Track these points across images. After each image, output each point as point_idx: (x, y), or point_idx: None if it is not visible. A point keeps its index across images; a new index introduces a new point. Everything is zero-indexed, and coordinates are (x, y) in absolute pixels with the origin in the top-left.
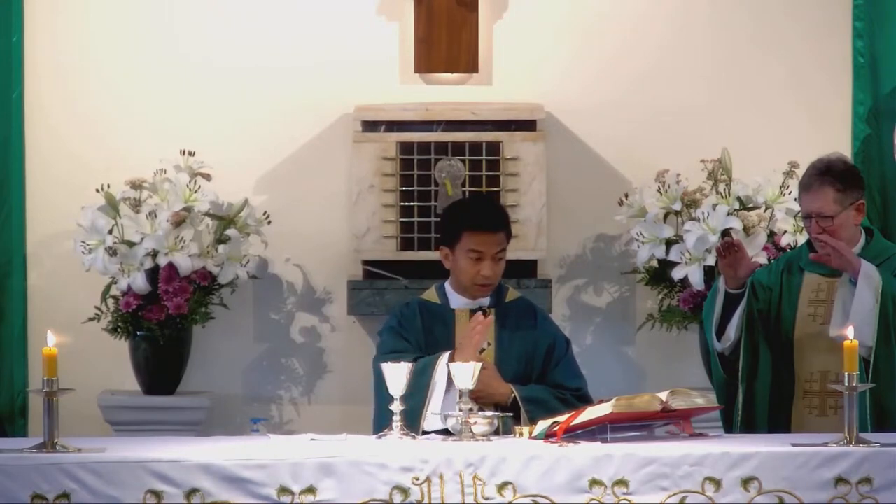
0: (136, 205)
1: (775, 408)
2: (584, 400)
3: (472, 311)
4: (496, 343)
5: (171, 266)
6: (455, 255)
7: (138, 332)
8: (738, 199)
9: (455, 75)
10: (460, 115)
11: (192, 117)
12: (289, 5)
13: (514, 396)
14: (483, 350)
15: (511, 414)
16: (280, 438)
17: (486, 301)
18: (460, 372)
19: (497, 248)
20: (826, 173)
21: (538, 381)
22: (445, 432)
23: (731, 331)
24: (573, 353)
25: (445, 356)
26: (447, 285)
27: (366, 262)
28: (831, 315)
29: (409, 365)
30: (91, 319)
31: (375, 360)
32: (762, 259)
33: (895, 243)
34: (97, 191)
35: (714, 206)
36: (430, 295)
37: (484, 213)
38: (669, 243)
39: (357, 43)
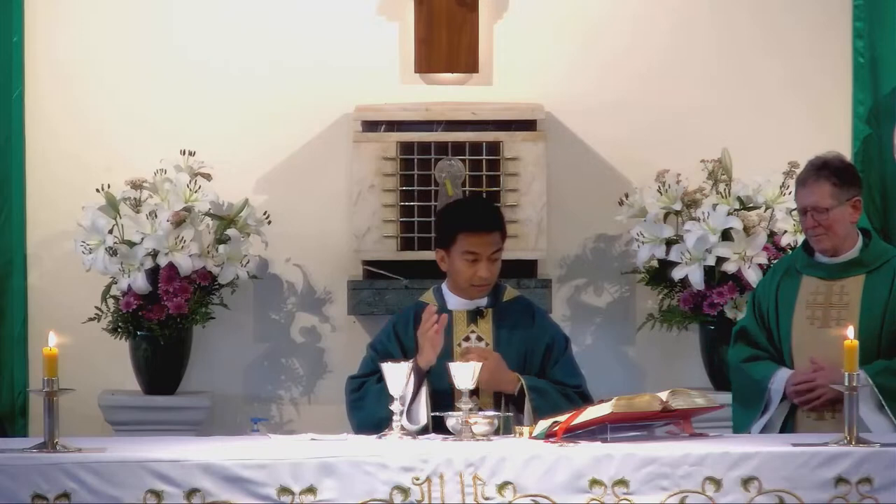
0: (137, 205)
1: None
2: (585, 397)
3: (470, 313)
4: (494, 342)
5: (172, 266)
6: (451, 256)
7: (138, 332)
8: (738, 199)
9: (455, 75)
10: (460, 115)
11: (192, 117)
12: (289, 6)
13: (521, 386)
14: (487, 345)
15: (511, 414)
16: (280, 438)
17: (483, 301)
18: (460, 372)
19: (492, 249)
20: (823, 168)
21: None
22: (446, 431)
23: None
24: (572, 351)
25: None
26: (444, 287)
27: (366, 262)
28: (829, 320)
29: (410, 365)
30: (91, 319)
31: (351, 379)
32: (762, 259)
33: (895, 244)
34: (97, 191)
35: (714, 206)
36: (428, 297)
37: (478, 214)
38: (669, 243)
39: (357, 43)
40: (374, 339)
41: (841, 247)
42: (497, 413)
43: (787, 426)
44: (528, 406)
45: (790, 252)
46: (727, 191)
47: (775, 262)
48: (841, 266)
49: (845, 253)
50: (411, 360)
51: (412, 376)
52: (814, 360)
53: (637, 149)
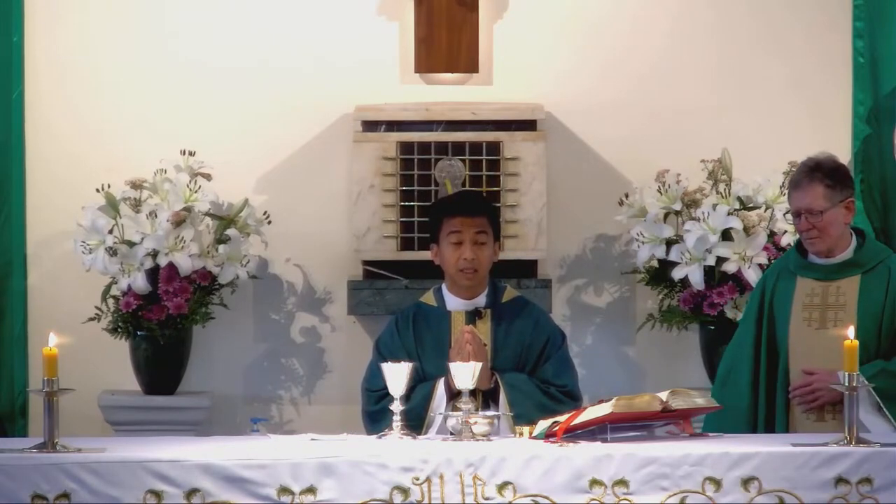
0: (137, 205)
1: (771, 414)
2: (572, 396)
3: (469, 313)
4: (492, 343)
5: (172, 266)
6: (441, 247)
7: (138, 332)
8: (739, 199)
9: (455, 75)
10: (460, 115)
11: (192, 117)
12: (289, 5)
13: (497, 383)
14: (485, 345)
15: (512, 414)
16: (280, 438)
17: (482, 302)
18: (460, 372)
19: (475, 230)
20: (816, 170)
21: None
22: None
23: None
24: (568, 349)
25: (441, 384)
26: (443, 287)
27: (366, 262)
28: (826, 321)
29: (410, 365)
30: (91, 319)
31: (369, 392)
32: (762, 259)
33: (894, 244)
34: (97, 191)
35: (714, 206)
36: (428, 297)
37: (459, 199)
38: (669, 243)
39: (357, 43)
40: (378, 341)
41: (835, 248)
42: (497, 413)
43: (785, 427)
44: (502, 398)
45: (777, 259)
46: (727, 191)
47: (767, 268)
48: (836, 267)
49: (839, 254)
50: (441, 382)
51: (444, 396)
52: (806, 370)
53: (637, 149)
